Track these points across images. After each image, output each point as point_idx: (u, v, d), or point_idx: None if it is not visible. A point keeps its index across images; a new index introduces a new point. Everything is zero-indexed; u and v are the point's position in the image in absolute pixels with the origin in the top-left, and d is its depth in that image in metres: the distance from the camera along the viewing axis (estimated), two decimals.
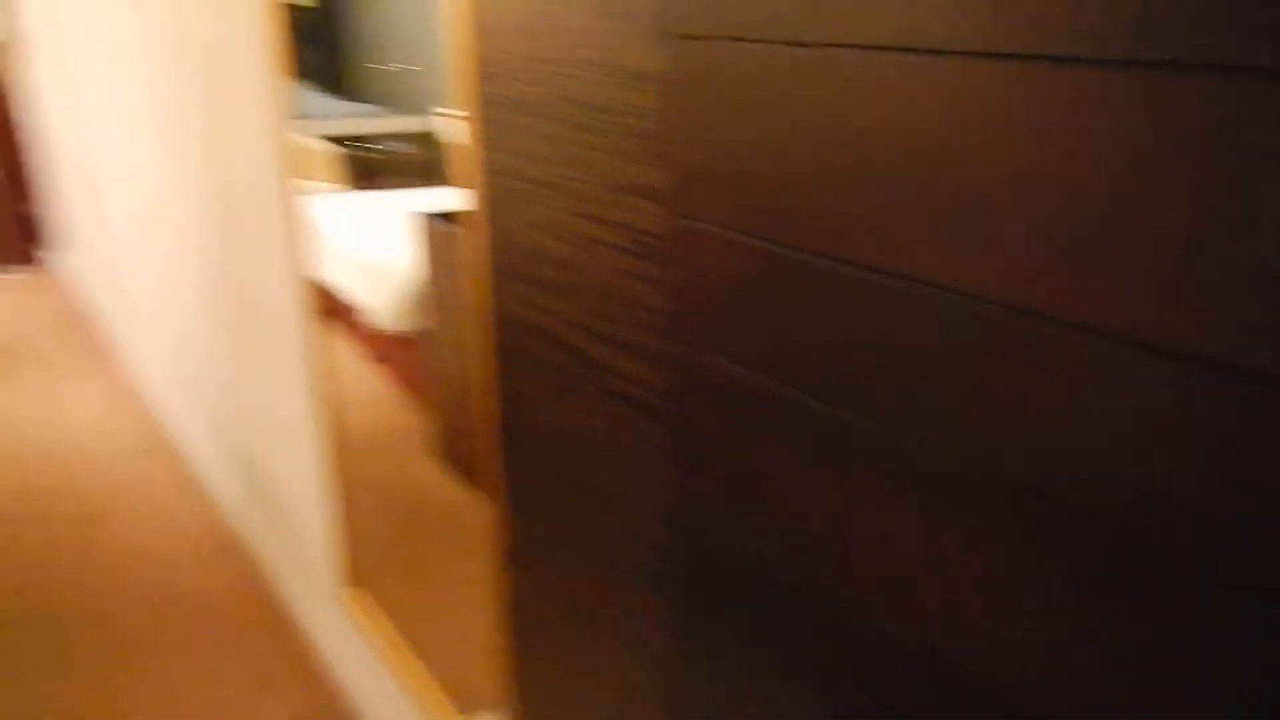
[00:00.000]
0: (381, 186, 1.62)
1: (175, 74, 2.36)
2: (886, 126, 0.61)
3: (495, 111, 1.05)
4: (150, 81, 2.63)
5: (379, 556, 1.79)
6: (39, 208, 5.38)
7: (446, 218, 1.28)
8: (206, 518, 2.88)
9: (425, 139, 1.34)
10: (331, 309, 1.71)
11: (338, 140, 1.65)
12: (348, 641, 2.03)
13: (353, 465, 1.80)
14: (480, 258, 1.13)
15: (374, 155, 1.61)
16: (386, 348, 1.59)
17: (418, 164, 1.46)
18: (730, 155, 0.74)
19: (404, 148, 1.52)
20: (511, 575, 1.24)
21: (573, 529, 1.07)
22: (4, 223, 5.34)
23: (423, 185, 1.46)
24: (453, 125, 1.16)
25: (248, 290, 2.14)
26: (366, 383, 1.69)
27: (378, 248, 1.56)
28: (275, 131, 1.69)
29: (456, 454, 1.41)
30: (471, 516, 1.35)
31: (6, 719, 2.08)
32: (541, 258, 1.02)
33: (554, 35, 0.92)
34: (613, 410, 0.96)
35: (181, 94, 2.34)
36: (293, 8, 1.58)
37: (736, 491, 0.81)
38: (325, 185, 1.66)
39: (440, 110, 1.27)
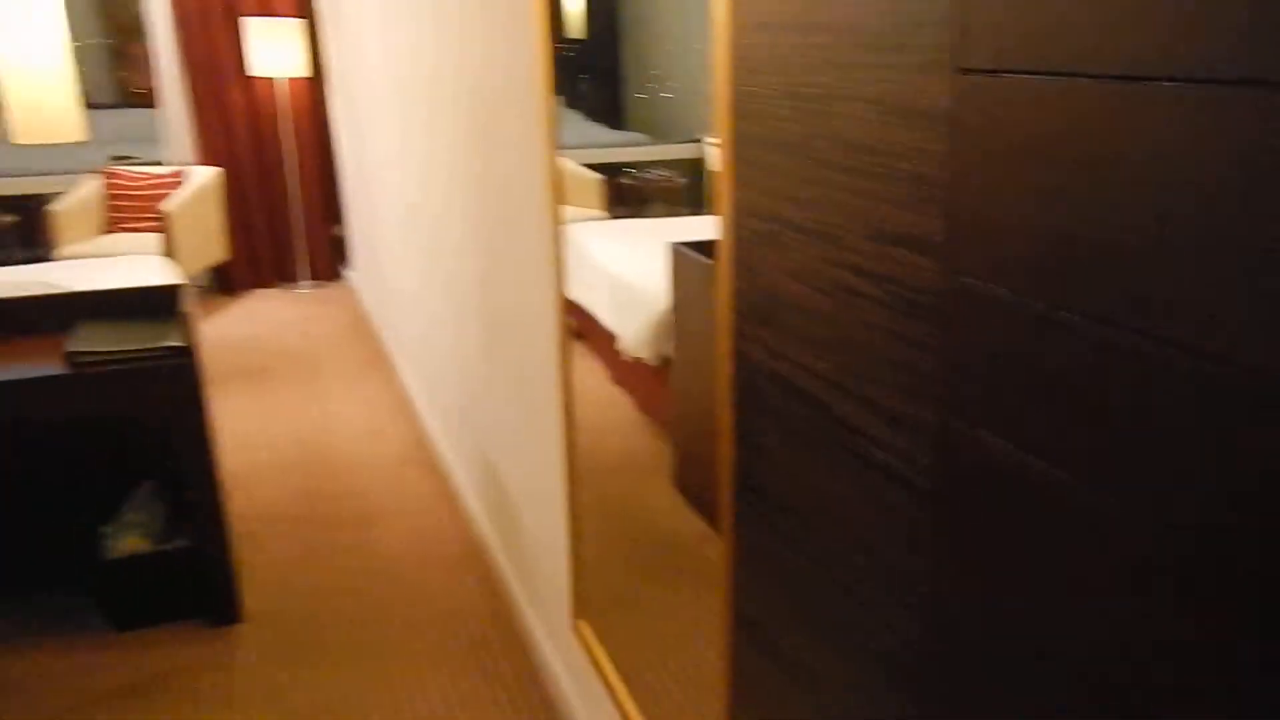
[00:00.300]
0: (643, 214, 1.62)
1: (453, 103, 2.47)
2: (1222, 177, 0.49)
3: (750, 149, 0.98)
4: (430, 109, 2.79)
5: (608, 586, 1.77)
6: (344, 228, 5.90)
7: (701, 248, 1.24)
8: (458, 528, 3.00)
9: (690, 167, 1.31)
10: (578, 328, 1.71)
11: (603, 167, 1.66)
12: (574, 673, 2.03)
13: (588, 488, 1.79)
14: (724, 298, 1.07)
15: (638, 183, 1.60)
16: (628, 371, 1.57)
17: (680, 192, 1.44)
18: (1020, 206, 0.63)
19: (668, 176, 1.50)
20: (740, 636, 1.16)
21: (809, 600, 0.98)
22: (318, 243, 5.88)
23: (685, 214, 1.44)
24: (715, 155, 1.11)
25: (507, 309, 2.20)
26: (606, 404, 1.68)
27: (632, 274, 1.55)
28: (545, 159, 1.71)
29: (693, 485, 1.36)
30: (705, 552, 1.29)
31: (253, 705, 2.22)
32: (792, 305, 0.94)
33: (820, 68, 0.85)
34: (862, 479, 0.86)
35: (458, 122, 2.45)
36: (565, 40, 1.60)
37: (1010, 593, 0.69)
38: (588, 211, 1.67)
39: (706, 139, 1.24)
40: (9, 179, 5.64)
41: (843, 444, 0.89)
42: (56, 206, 5.07)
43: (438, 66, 2.56)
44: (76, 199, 5.20)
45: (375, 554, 2.87)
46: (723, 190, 1.03)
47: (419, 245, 3.32)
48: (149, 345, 2.28)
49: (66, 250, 4.99)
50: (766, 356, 1.00)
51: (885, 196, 0.78)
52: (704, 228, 1.23)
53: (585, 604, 1.89)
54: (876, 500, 0.85)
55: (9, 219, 5.56)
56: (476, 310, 2.52)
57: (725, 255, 1.05)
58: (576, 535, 1.87)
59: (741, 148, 1.00)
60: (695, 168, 1.27)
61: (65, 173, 5.45)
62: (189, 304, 2.51)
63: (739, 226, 1.02)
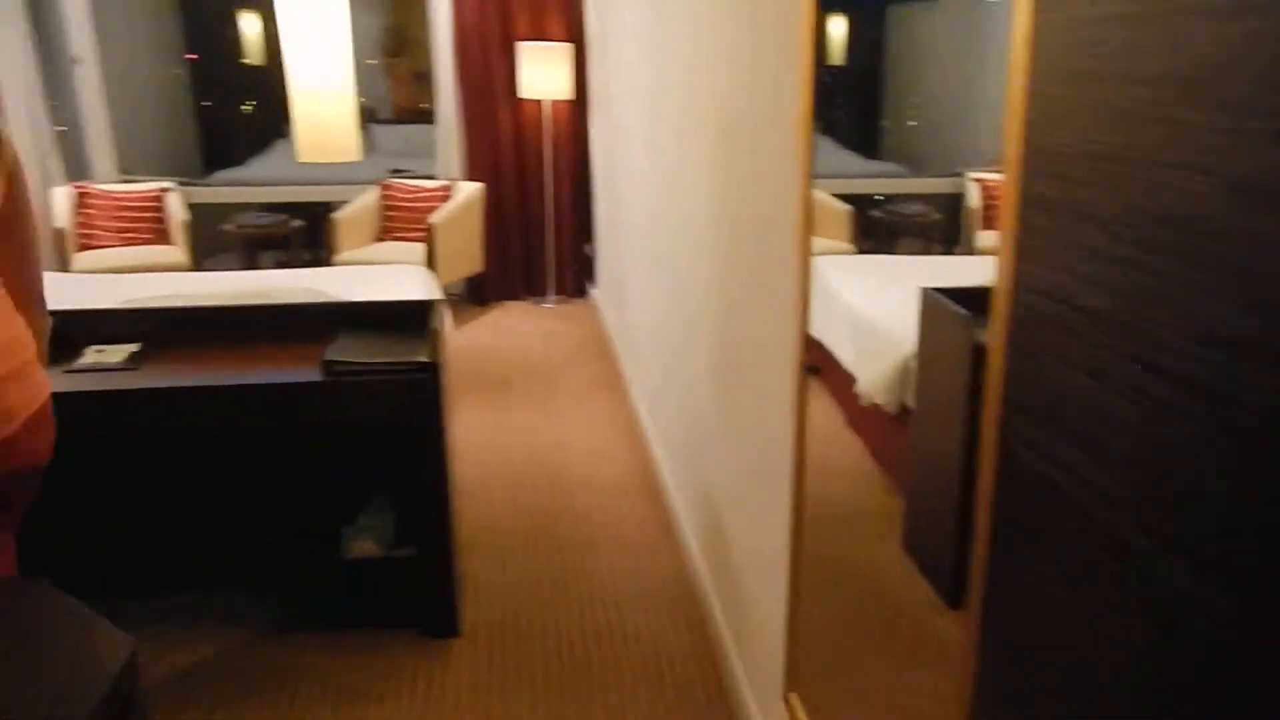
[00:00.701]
0: (893, 250, 1.52)
1: (705, 127, 2.42)
2: None
3: (1039, 214, 0.84)
4: (681, 131, 2.76)
5: (824, 652, 1.64)
6: (593, 248, 6.06)
7: (956, 295, 1.11)
8: (675, 566, 2.94)
9: (948, 203, 1.19)
10: (815, 363, 1.61)
11: (853, 198, 1.56)
12: None
13: (810, 537, 1.67)
14: (994, 384, 0.93)
15: (889, 216, 1.50)
16: (863, 416, 1.44)
17: (935, 229, 1.32)
18: None
19: (923, 211, 1.38)
20: None
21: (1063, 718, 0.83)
22: (567, 260, 6.08)
23: (938, 252, 1.32)
24: (979, 192, 0.98)
25: (745, 346, 2.11)
26: (836, 448, 1.56)
27: (876, 315, 1.44)
28: (800, 190, 1.62)
29: (925, 549, 1.23)
30: (935, 624, 1.14)
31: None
32: (1079, 406, 0.79)
33: (1142, 128, 0.70)
34: (1153, 627, 0.70)
35: (710, 147, 2.40)
36: (825, 66, 1.52)
37: None
38: (834, 244, 1.57)
39: (969, 174, 1.12)
40: (301, 187, 6.19)
41: (1128, 582, 0.73)
42: (339, 215, 5.50)
43: (691, 92, 2.52)
44: (356, 208, 5.62)
45: (591, 582, 2.86)
46: (1002, 259, 0.90)
47: (663, 271, 3.30)
48: (399, 359, 2.37)
49: (344, 255, 5.40)
50: (1041, 462, 0.85)
51: (1216, 291, 0.63)
52: (959, 271, 1.10)
53: (799, 673, 1.77)
54: (1174, 658, 0.69)
55: (298, 224, 6.09)
56: (714, 344, 2.45)
57: (998, 333, 0.91)
58: (796, 595, 1.76)
59: (1028, 212, 0.86)
60: (953, 204, 1.16)
61: (350, 184, 5.90)
62: (440, 320, 2.60)
63: (1018, 303, 0.88)
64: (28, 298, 1.76)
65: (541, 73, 5.53)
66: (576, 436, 3.96)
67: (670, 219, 3.04)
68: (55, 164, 5.68)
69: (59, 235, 5.22)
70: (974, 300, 0.97)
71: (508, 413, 4.22)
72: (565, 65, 5.56)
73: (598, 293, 5.88)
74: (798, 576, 1.74)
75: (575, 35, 5.74)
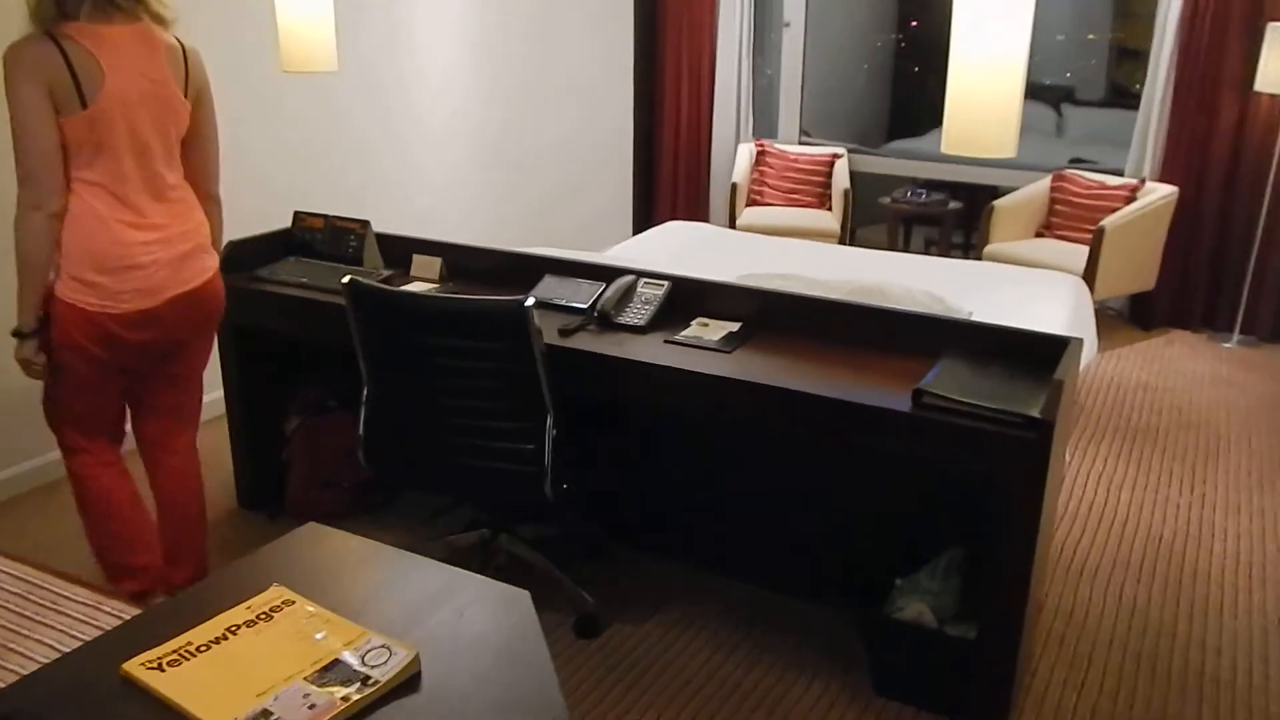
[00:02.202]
0: None
1: None
2: None
3: None
4: None
5: None
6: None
7: None
8: None
9: None
10: None
11: None
12: None
13: None
14: None
15: None
16: None
17: None
18: None
19: None
20: None
21: None
22: (1269, 291, 4.92)
23: None
24: None
25: None
26: None
27: None
28: None
29: None
30: None
31: None
32: None
33: None
34: None
35: None
36: None
37: None
38: None
39: None
40: (965, 167, 5.81)
41: None
42: (1001, 202, 5.04)
43: None
44: (1021, 197, 5.11)
45: None
46: None
47: None
48: (1005, 407, 1.95)
49: (995, 246, 4.95)
50: None
51: None
52: None
53: None
54: None
55: (955, 206, 5.75)
56: None
57: None
58: None
59: None
60: None
61: (1022, 168, 5.39)
62: (1073, 364, 2.10)
63: None
64: (208, 197, 2.35)
65: None
66: (1228, 529, 3.11)
67: None
68: (746, 120, 6.07)
69: (733, 190, 5.56)
70: None
71: (1143, 474, 3.47)
72: None
73: None
74: None
75: None
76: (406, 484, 2.93)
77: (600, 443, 2.63)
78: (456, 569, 1.35)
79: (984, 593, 2.09)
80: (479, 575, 1.34)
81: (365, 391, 2.34)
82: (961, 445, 1.97)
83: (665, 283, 2.56)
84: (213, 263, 2.32)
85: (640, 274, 2.61)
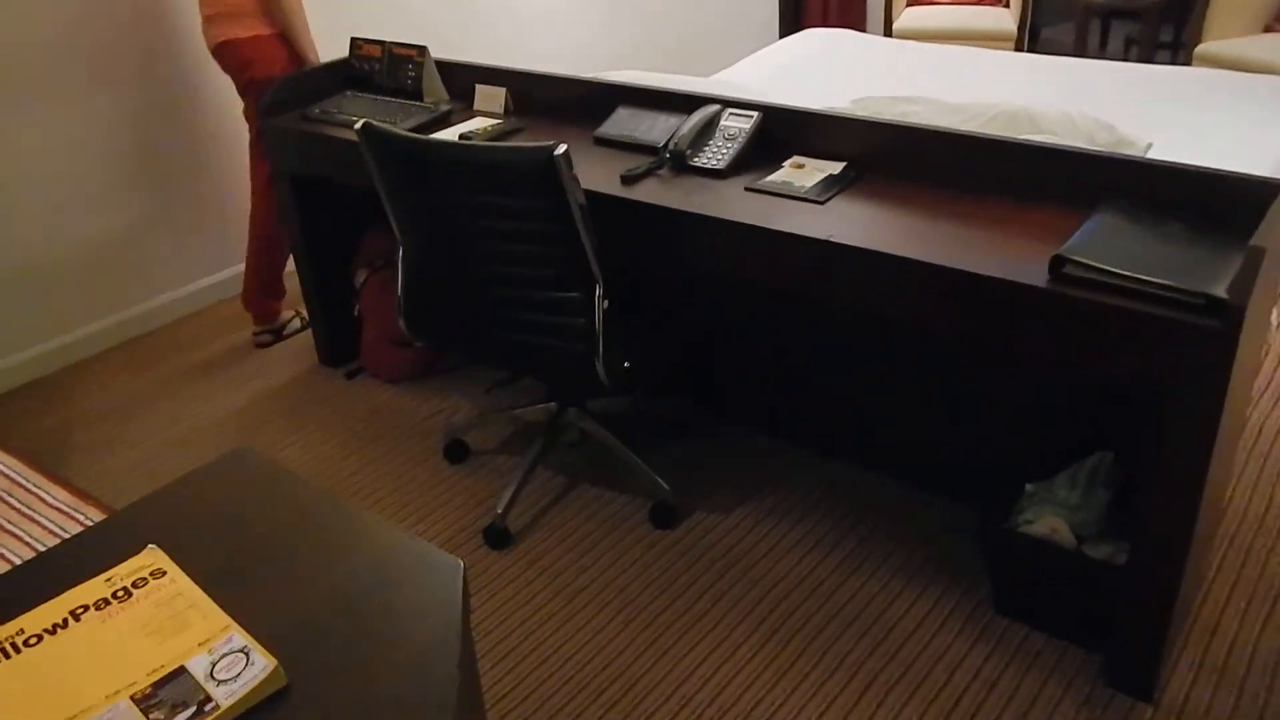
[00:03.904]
0: None
1: None
2: None
3: None
4: None
5: None
6: None
7: None
8: None
9: None
10: None
11: None
12: None
13: None
14: None
15: None
16: None
17: None
18: None
19: None
20: None
21: None
22: None
23: None
24: None
25: None
26: None
27: None
28: None
29: None
30: None
31: None
32: None
33: None
34: None
35: None
36: None
37: None
38: None
39: None
40: None
41: None
42: None
43: None
44: None
45: None
46: None
47: None
48: (1174, 283, 1.45)
49: (1208, 46, 4.07)
50: None
51: None
52: None
53: None
54: None
55: None
56: None
57: None
58: None
59: None
60: None
61: None
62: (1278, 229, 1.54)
63: None
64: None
65: None
66: None
67: None
68: None
69: None
70: None
71: None
72: None
73: None
74: None
75: None
76: (451, 352, 2.68)
77: (682, 309, 2.26)
78: (396, 530, 1.04)
79: (1138, 513, 1.64)
80: (421, 541, 1.03)
81: (399, 250, 2.04)
82: (1114, 329, 1.48)
83: (754, 113, 2.09)
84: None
85: (727, 103, 2.15)
